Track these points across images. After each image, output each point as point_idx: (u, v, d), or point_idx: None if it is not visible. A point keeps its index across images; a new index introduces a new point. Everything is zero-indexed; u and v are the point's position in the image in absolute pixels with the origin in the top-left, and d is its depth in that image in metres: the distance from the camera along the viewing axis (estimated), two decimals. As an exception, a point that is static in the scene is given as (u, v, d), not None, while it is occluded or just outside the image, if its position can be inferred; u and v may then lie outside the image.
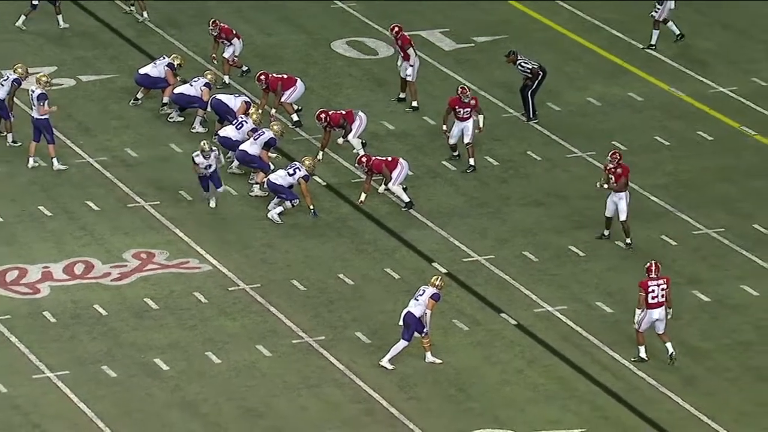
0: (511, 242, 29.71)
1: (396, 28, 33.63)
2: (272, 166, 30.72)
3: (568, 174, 31.86)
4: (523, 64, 33.01)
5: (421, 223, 30.33)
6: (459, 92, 31.43)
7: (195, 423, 25.24)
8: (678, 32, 36.03)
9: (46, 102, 31.01)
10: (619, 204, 28.95)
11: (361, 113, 31.88)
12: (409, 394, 25.87)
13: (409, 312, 26.16)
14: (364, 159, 30.56)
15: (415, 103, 33.62)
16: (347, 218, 30.46)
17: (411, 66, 33.45)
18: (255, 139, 30.93)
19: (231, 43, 34.30)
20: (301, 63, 35.42)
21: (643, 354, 26.29)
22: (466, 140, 31.43)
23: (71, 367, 26.26)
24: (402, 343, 26.19)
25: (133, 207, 30.62)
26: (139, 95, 33.57)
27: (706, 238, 29.81)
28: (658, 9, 35.75)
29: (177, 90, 32.81)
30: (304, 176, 30.05)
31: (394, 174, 30.36)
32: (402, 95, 33.74)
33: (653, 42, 35.83)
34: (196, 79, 32.86)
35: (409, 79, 33.54)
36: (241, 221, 30.24)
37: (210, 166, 29.98)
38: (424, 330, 26.19)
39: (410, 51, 33.44)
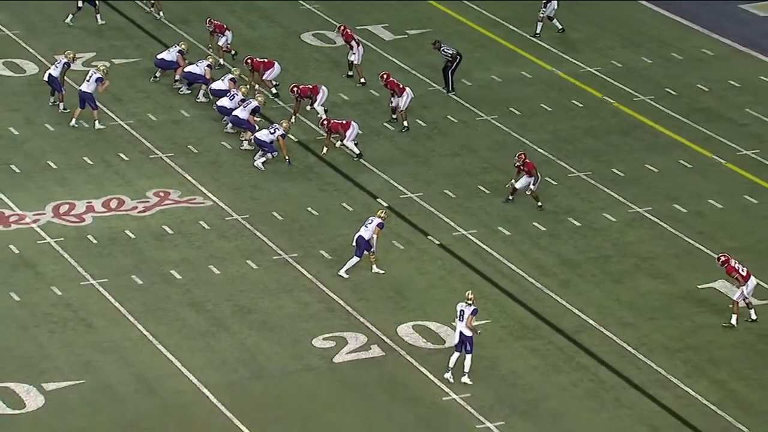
0: (435, 183, 29.59)
1: (341, 27, 33.38)
2: (257, 127, 30.45)
3: (477, 132, 31.74)
4: (445, 50, 32.87)
5: (368, 169, 30.15)
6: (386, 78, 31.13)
7: (201, 317, 25.11)
8: (560, 27, 35.86)
9: (103, 83, 30.75)
10: (529, 184, 28.28)
11: (323, 87, 31.63)
12: (360, 296, 25.80)
13: (360, 236, 26.00)
14: (325, 121, 30.37)
15: (362, 80, 33.38)
16: (313, 166, 30.23)
17: (354, 54, 33.20)
18: (244, 107, 30.62)
19: (224, 35, 33.92)
20: (279, 50, 35.05)
21: (734, 321, 24.55)
22: (402, 107, 31.29)
23: (109, 276, 26.05)
24: (354, 259, 26.06)
25: (153, 158, 30.28)
26: (158, 74, 33.18)
27: (578, 179, 29.79)
28: (544, 8, 35.61)
29: (186, 69, 32.46)
30: (281, 134, 29.79)
31: (348, 133, 30.14)
32: (350, 73, 33.54)
33: (538, 31, 35.71)
34: (200, 61, 32.51)
35: (355, 62, 33.31)
36: (234, 168, 29.97)
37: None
38: (372, 249, 26.05)
39: (353, 43, 33.20)
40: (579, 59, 34.95)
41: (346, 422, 22.68)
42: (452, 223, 28.09)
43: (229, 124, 30.99)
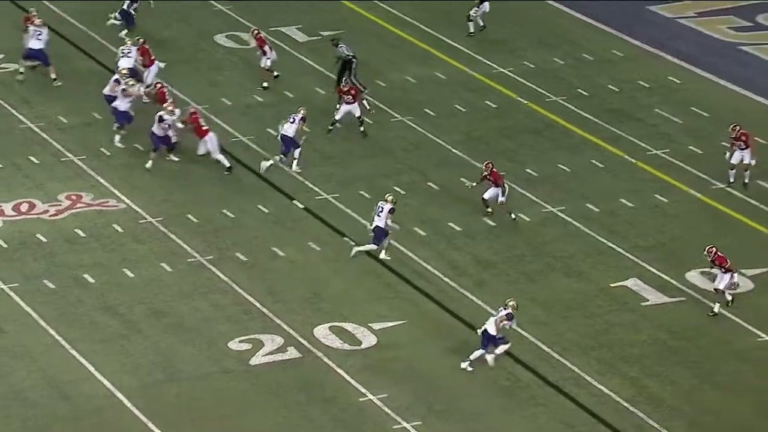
0: (351, 184, 29.48)
1: (255, 31, 33.09)
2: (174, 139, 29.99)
3: (393, 133, 31.67)
4: (344, 50, 32.55)
5: (284, 171, 29.94)
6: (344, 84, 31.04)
7: (114, 321, 24.76)
8: (482, 24, 35.83)
9: None
10: (497, 195, 28.13)
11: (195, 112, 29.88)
12: (276, 298, 25.61)
13: (377, 226, 26.17)
14: (198, 116, 29.24)
15: (265, 84, 32.83)
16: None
17: (267, 59, 32.80)
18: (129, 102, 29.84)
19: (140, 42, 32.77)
20: (192, 50, 34.73)
21: (717, 309, 25.08)
22: (356, 114, 30.64)
23: (20, 280, 25.56)
24: (373, 246, 26.10)
25: (65, 161, 29.80)
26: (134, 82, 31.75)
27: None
28: (477, 9, 35.52)
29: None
30: (302, 118, 29.02)
31: (209, 145, 28.88)
32: (267, 83, 33.16)
33: (472, 31, 35.78)
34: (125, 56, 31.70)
35: (263, 67, 32.89)
36: (148, 171, 29.57)
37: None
38: (387, 237, 26.14)
39: (266, 48, 32.91)
40: (492, 60, 35.08)
41: (263, 424, 22.50)
42: (368, 225, 28.00)
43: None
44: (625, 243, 27.42)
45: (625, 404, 23.06)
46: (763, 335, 24.68)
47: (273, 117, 31.83)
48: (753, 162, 29.16)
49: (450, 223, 27.97)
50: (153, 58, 32.06)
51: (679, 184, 29.70)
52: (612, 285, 25.98)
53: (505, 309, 23.57)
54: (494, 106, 33.11)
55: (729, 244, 26.58)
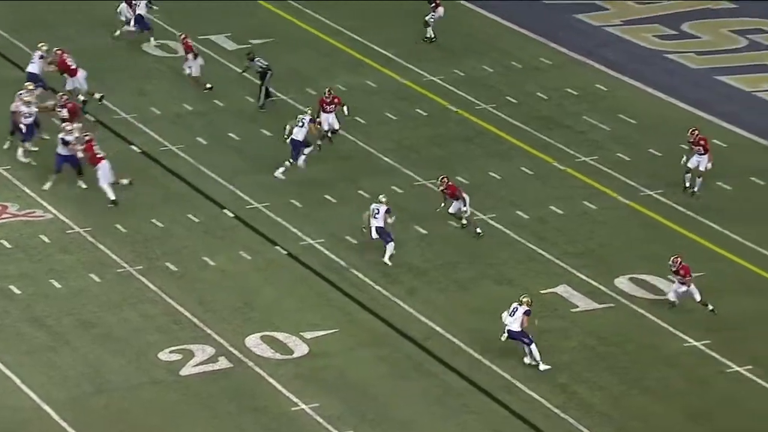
0: (282, 193, 29.34)
1: (182, 36, 32.97)
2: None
3: (323, 141, 31.55)
4: (259, 62, 32.25)
5: (214, 179, 29.74)
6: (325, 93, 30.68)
7: (41, 332, 24.40)
8: (433, 36, 35.70)
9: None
10: (460, 207, 28.00)
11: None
12: (207, 308, 25.39)
13: (377, 227, 26.30)
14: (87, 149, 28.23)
15: (209, 86, 32.76)
16: (158, 176, 29.68)
17: (190, 66, 32.59)
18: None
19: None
20: (120, 60, 34.40)
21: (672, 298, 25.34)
22: (336, 127, 30.42)
23: (-56, 293, 25.13)
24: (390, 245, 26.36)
25: (-10, 170, 29.42)
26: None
27: (424, 188, 29.86)
28: (433, 14, 35.40)
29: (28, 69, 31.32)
30: (310, 120, 29.16)
31: (99, 174, 27.99)
32: (209, 85, 32.89)
33: (429, 36, 35.72)
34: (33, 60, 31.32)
35: (191, 74, 32.64)
36: (75, 181, 29.18)
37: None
38: (390, 238, 26.21)
39: (190, 55, 32.68)
40: (423, 68, 35.12)
41: (194, 436, 22.28)
42: (300, 233, 27.87)
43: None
44: (555, 250, 27.55)
45: (556, 410, 23.14)
46: (690, 340, 24.91)
47: (202, 126, 31.60)
48: (706, 168, 29.04)
49: (363, 228, 27.91)
50: (74, 67, 31.61)
51: (607, 190, 29.92)
52: (542, 292, 26.08)
53: (520, 306, 23.84)
54: (425, 114, 33.13)
55: (657, 250, 26.81)
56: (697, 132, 29.40)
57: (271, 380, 23.53)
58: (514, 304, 24.03)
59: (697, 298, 25.27)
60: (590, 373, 24.01)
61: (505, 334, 23.95)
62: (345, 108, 30.81)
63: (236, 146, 31.18)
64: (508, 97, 33.80)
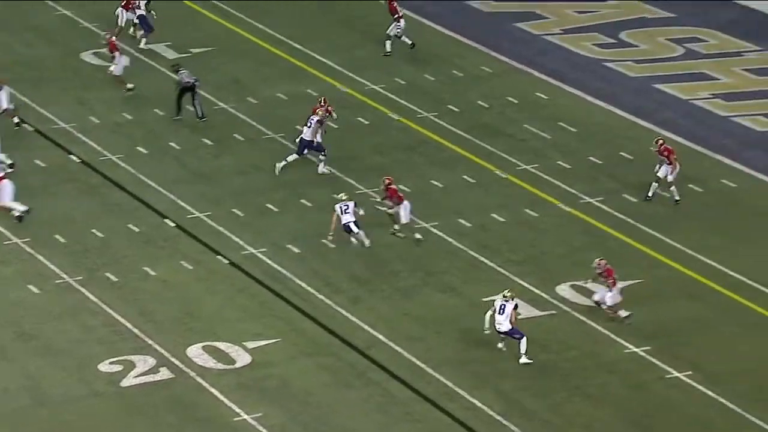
0: (224, 202, 29.19)
1: (107, 35, 32.95)
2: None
3: (266, 150, 31.47)
4: (184, 75, 31.98)
5: (155, 189, 29.52)
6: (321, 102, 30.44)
7: (-20, 346, 24.06)
8: (410, 42, 35.67)
9: None
10: (402, 212, 27.91)
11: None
12: (148, 318, 25.18)
13: (345, 224, 26.87)
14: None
15: (130, 86, 32.21)
16: (98, 186, 29.43)
17: (115, 65, 32.52)
18: None
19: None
20: (58, 69, 34.09)
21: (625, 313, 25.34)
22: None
23: None
24: (361, 233, 26.69)
25: (-73, 180, 28.92)
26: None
27: (365, 197, 29.82)
28: (399, 27, 35.36)
29: None
30: (318, 120, 29.41)
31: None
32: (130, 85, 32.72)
33: (389, 51, 35.64)
34: None
35: (115, 74, 32.57)
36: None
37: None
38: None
39: (116, 53, 32.54)
40: (364, 77, 35.12)
41: (136, 448, 22.06)
42: (241, 242, 27.74)
43: None
44: (497, 257, 27.62)
45: (498, 417, 23.18)
46: (630, 346, 25.07)
47: (142, 135, 31.37)
48: (670, 178, 29.19)
49: (324, 240, 27.85)
50: None
51: (549, 198, 30.07)
52: (485, 299, 26.13)
53: (508, 302, 23.95)
54: (367, 122, 33.13)
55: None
56: (661, 142, 29.62)
57: (213, 390, 23.37)
58: (500, 302, 24.06)
59: (609, 303, 25.38)
60: (532, 380, 24.09)
61: (489, 328, 24.09)
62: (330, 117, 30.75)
63: (177, 155, 30.99)
64: (450, 106, 33.88)
